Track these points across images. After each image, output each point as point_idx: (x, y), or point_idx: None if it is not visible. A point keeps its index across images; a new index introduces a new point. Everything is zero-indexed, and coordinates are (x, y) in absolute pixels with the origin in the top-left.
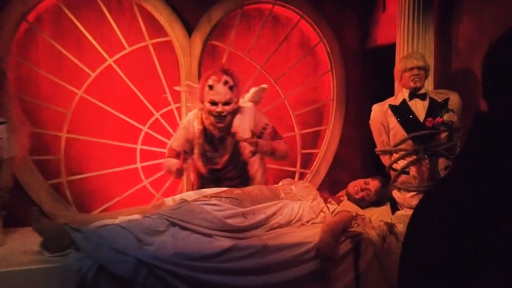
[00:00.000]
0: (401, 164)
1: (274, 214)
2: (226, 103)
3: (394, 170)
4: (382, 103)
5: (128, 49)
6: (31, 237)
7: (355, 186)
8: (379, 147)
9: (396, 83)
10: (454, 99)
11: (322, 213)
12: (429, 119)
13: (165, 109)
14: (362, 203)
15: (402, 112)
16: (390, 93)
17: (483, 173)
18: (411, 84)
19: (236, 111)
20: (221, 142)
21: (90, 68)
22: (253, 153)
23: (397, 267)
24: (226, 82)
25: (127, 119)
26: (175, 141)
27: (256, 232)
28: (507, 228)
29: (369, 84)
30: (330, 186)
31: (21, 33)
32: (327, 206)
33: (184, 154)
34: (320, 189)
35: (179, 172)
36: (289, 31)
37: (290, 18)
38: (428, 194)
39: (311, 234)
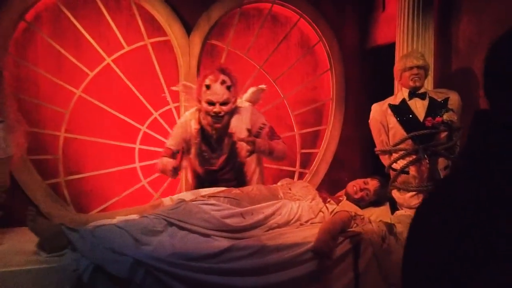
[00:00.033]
0: (400, 164)
1: (272, 214)
2: (223, 103)
3: (394, 170)
4: (382, 102)
5: (127, 48)
6: (28, 237)
7: (354, 186)
8: (378, 147)
9: (396, 83)
10: (454, 99)
11: (321, 213)
12: (429, 118)
13: (163, 109)
14: (361, 203)
15: (401, 111)
16: (390, 92)
17: (483, 174)
18: (411, 83)
19: (234, 111)
20: (219, 143)
21: (88, 68)
22: (250, 153)
23: (397, 267)
24: (223, 82)
25: (125, 118)
26: (171, 140)
27: (254, 232)
28: (507, 229)
29: (369, 83)
30: (330, 186)
31: (19, 32)
32: (326, 206)
33: (182, 152)
34: (320, 189)
35: (175, 171)
36: (288, 30)
37: (289, 17)
38: (429, 194)
39: (310, 234)
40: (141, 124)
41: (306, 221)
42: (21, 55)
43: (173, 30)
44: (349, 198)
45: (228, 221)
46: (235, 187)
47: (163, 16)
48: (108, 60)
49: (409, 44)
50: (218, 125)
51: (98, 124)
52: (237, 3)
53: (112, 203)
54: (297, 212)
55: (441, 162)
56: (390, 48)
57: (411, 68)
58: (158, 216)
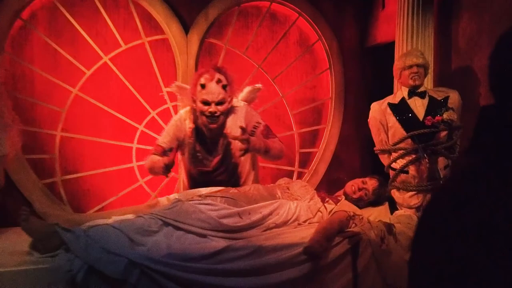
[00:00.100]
0: (400, 163)
1: (270, 214)
2: (219, 103)
3: (393, 169)
4: (381, 101)
5: (124, 46)
6: (23, 237)
7: (352, 185)
8: (378, 146)
9: (395, 81)
10: (453, 97)
11: (319, 213)
12: (429, 117)
13: (161, 108)
14: (360, 203)
15: (401, 110)
16: (389, 91)
17: (492, 171)
18: (410, 82)
19: (230, 111)
20: (213, 143)
21: (85, 66)
22: (245, 151)
23: (396, 267)
24: (219, 81)
25: (123, 117)
26: (163, 138)
27: (252, 232)
28: None
29: (368, 82)
30: (329, 186)
31: (16, 30)
32: (324, 206)
33: (175, 150)
34: (319, 188)
35: (167, 168)
36: (287, 29)
37: (288, 15)
38: (436, 193)
39: (308, 235)
40: (139, 123)
41: (305, 221)
42: (17, 53)
43: (171, 28)
44: (347, 198)
45: (225, 221)
46: None
47: (160, 14)
48: (105, 58)
49: (409, 43)
50: (214, 126)
51: (95, 123)
52: (236, 2)
53: (109, 202)
54: (295, 212)
55: (441, 161)
56: (389, 47)
57: (410, 66)
58: (153, 216)
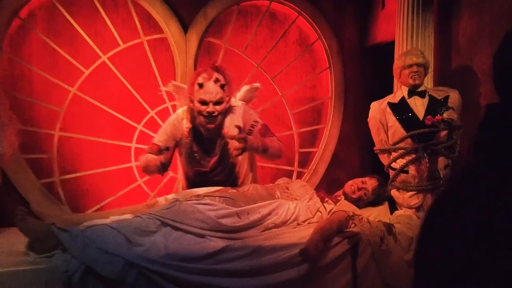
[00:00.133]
0: (400, 163)
1: (269, 214)
2: (217, 103)
3: (393, 169)
4: (381, 100)
5: (123, 46)
6: (20, 237)
7: (352, 185)
8: (377, 146)
9: (395, 81)
10: (454, 97)
11: (318, 213)
12: (429, 117)
13: (160, 107)
14: (360, 203)
15: (401, 110)
16: (389, 90)
17: (498, 170)
18: (410, 81)
19: (228, 111)
20: (211, 143)
21: (83, 65)
22: (242, 150)
23: (396, 268)
24: (217, 80)
25: (121, 117)
26: (160, 137)
27: (250, 233)
28: None
29: (368, 81)
30: (328, 185)
31: (14, 29)
32: (324, 206)
33: (172, 149)
34: (318, 188)
35: (164, 166)
36: (286, 28)
37: (288, 15)
38: (441, 193)
39: (307, 235)
40: (137, 122)
41: (304, 221)
42: (15, 53)
43: (169, 27)
44: (347, 198)
45: (223, 221)
46: None
47: (159, 14)
48: (104, 58)
49: (409, 42)
50: (211, 126)
51: (93, 122)
52: (235, 1)
53: (108, 202)
54: (294, 212)
55: (441, 161)
56: (389, 46)
57: (410, 66)
58: (151, 216)
